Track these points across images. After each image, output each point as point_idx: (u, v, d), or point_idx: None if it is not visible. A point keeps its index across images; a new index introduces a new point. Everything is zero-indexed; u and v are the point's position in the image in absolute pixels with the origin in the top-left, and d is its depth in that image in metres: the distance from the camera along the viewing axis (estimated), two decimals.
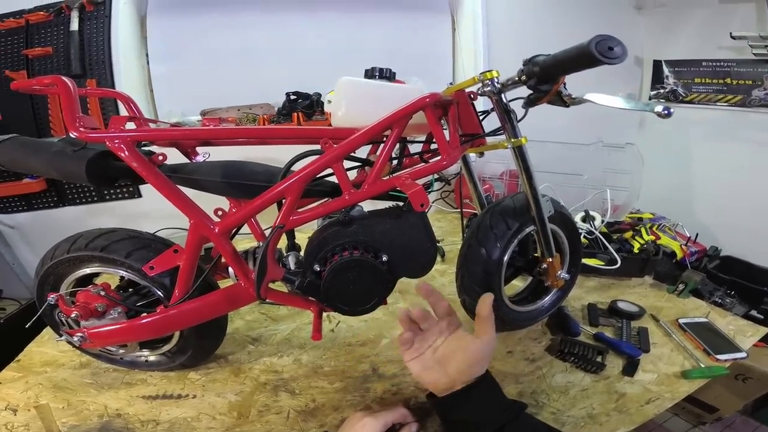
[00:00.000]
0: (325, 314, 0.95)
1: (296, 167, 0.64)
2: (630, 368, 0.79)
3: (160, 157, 0.64)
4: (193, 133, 0.69)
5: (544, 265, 0.84)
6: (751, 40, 1.51)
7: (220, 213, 0.73)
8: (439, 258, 1.27)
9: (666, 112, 0.58)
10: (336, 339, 0.90)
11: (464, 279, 0.82)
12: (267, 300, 0.65)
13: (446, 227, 1.53)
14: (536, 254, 0.86)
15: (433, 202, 1.67)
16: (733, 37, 1.55)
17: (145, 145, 0.75)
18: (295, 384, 0.76)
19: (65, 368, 0.81)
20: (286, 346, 0.88)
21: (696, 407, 1.48)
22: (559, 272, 0.85)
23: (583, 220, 1.20)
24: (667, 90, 1.86)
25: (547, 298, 0.92)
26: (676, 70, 1.82)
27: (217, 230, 0.66)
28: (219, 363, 0.82)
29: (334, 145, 0.61)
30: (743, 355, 0.83)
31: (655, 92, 1.91)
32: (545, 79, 0.63)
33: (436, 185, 1.49)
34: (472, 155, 0.88)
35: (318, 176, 0.65)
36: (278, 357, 0.84)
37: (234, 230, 0.71)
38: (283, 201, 0.63)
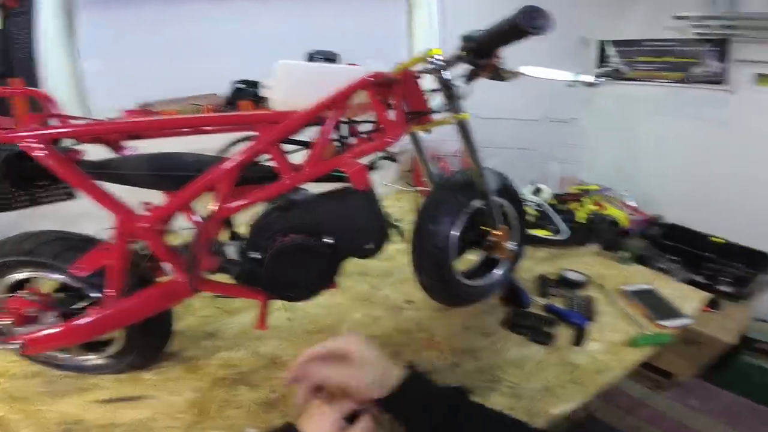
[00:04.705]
0: (283, 302, 0.93)
1: None
2: (578, 338, 0.80)
3: (78, 154, 0.60)
4: (116, 126, 0.64)
5: (492, 238, 0.86)
6: (693, 20, 1.57)
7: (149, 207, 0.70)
8: (399, 238, 1.27)
9: (594, 82, 0.60)
10: (293, 327, 0.89)
11: (417, 257, 0.82)
12: (202, 292, 0.63)
13: (407, 207, 1.52)
14: (485, 227, 0.88)
15: (392, 183, 1.66)
16: (676, 17, 1.61)
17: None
18: (254, 376, 0.75)
19: (17, 378, 0.76)
20: (243, 338, 0.86)
21: (651, 372, 1.53)
22: (506, 244, 0.87)
23: (534, 193, 1.24)
24: (611, 69, 1.94)
25: (498, 271, 0.94)
26: (621, 49, 1.89)
27: (145, 225, 0.63)
28: (172, 361, 0.79)
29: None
30: (688, 320, 0.85)
31: (601, 70, 1.99)
32: (481, 53, 0.64)
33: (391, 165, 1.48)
34: (423, 133, 0.88)
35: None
36: (235, 350, 0.82)
37: (166, 224, 0.68)
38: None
